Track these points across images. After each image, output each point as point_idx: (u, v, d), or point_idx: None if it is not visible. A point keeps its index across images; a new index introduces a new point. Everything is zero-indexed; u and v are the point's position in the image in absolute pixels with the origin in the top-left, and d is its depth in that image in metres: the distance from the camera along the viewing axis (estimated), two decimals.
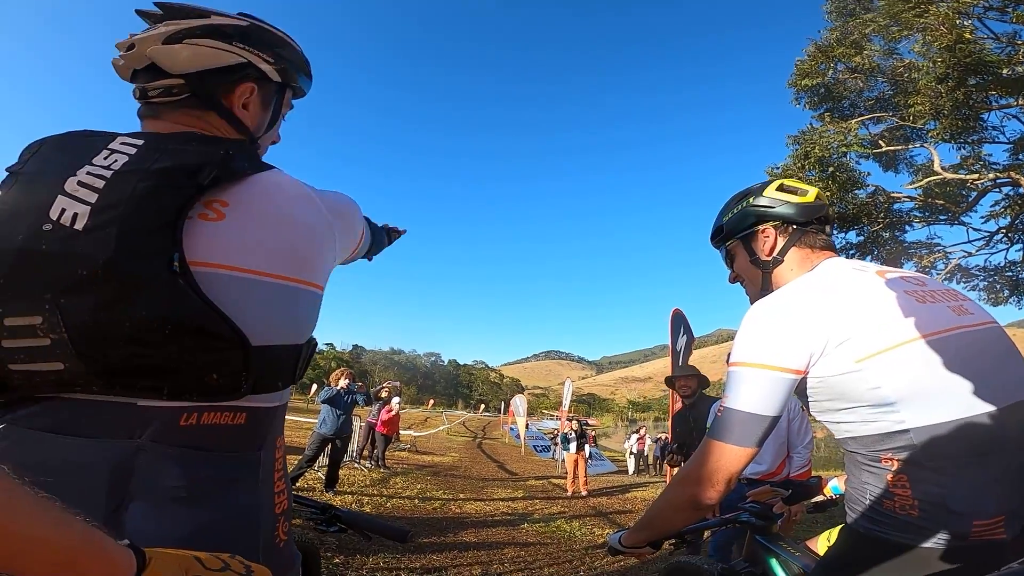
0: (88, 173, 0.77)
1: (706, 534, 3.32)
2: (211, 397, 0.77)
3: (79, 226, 0.71)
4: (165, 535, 0.70)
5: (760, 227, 1.46)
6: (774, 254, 1.44)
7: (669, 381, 5.52)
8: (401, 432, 17.39)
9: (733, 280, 1.61)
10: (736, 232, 1.51)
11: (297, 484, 7.65)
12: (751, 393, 1.19)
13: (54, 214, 0.72)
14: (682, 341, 11.43)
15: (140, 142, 0.84)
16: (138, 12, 0.94)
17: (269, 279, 0.82)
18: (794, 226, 1.43)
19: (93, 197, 0.74)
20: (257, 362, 0.79)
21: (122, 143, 0.83)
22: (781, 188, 1.48)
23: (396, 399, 13.07)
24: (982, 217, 13.71)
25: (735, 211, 1.52)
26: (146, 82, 0.93)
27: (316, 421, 8.38)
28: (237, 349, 0.76)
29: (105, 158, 0.80)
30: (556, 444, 15.75)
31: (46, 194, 0.75)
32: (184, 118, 0.95)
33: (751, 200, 1.49)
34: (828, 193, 12.61)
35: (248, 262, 0.80)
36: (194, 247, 0.76)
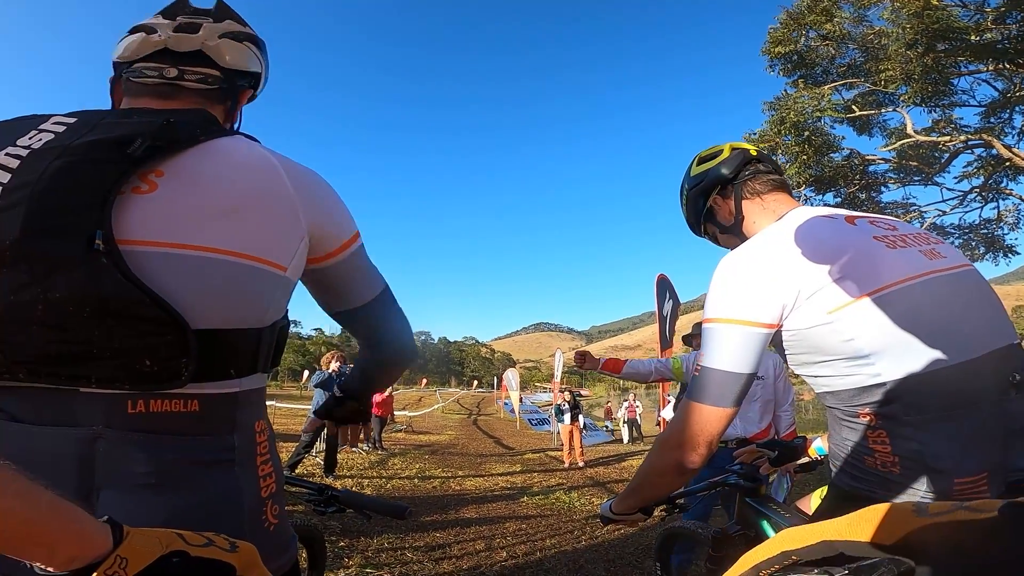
0: (7, 154, 0.72)
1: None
2: (147, 385, 0.71)
3: None
4: (140, 522, 0.66)
5: (709, 202, 1.50)
6: (733, 215, 1.45)
7: (687, 339, 5.49)
8: (396, 412, 17.48)
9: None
10: (700, 217, 1.54)
11: (296, 470, 7.54)
12: (725, 350, 1.15)
13: None
14: (668, 307, 11.41)
15: (73, 120, 0.81)
16: (191, 8, 1.00)
17: (207, 253, 0.75)
18: (730, 184, 1.44)
19: (6, 178, 0.69)
20: (200, 347, 0.73)
21: (54, 122, 0.80)
22: (700, 161, 1.51)
23: None
24: (955, 177, 14.03)
25: (685, 203, 1.58)
26: (185, 65, 0.95)
27: (310, 407, 8.34)
28: (174, 333, 0.71)
29: (30, 138, 0.75)
30: (552, 416, 15.96)
31: None
32: (196, 103, 0.96)
33: (687, 187, 1.55)
34: (804, 157, 12.79)
35: (181, 236, 0.74)
36: (123, 224, 0.71)
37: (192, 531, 0.65)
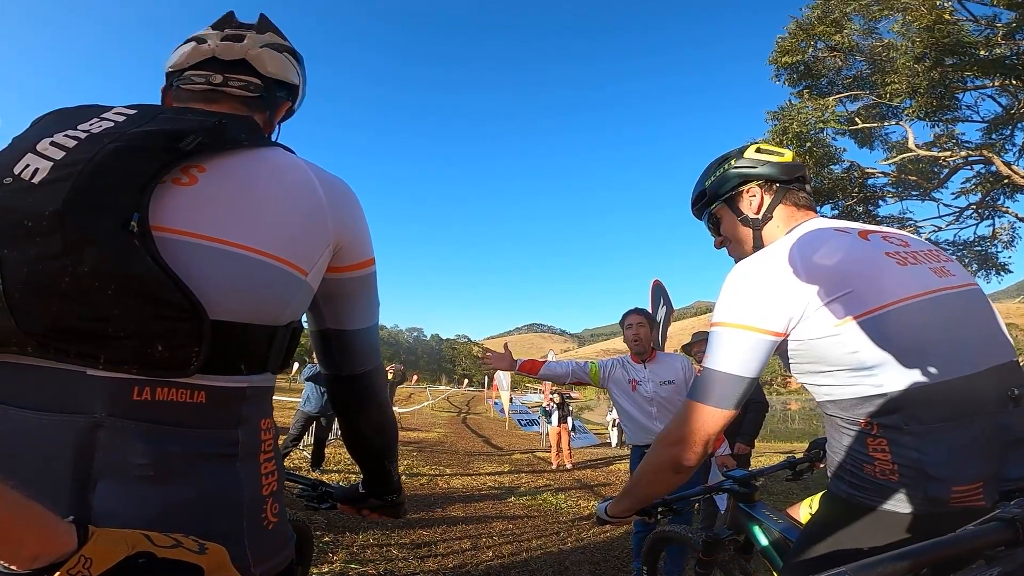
0: (65, 135, 0.75)
1: (696, 505, 3.31)
2: (154, 370, 0.71)
3: (36, 180, 0.69)
4: (137, 515, 0.68)
5: (745, 187, 1.47)
6: (763, 211, 1.44)
7: (686, 348, 5.46)
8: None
9: (719, 245, 1.60)
10: (721, 194, 1.52)
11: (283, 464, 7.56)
12: (732, 354, 1.18)
13: (17, 170, 0.71)
14: (662, 312, 11.41)
15: (133, 111, 0.84)
16: (237, 23, 1.06)
17: (236, 249, 0.77)
18: (778, 184, 1.45)
19: (60, 155, 0.72)
20: (213, 338, 0.74)
21: (116, 112, 0.83)
22: (759, 150, 1.50)
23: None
24: (953, 193, 14.10)
25: (716, 175, 1.54)
26: (230, 73, 1.00)
27: (300, 400, 8.29)
28: (190, 320, 0.71)
29: (90, 124, 0.79)
30: (542, 418, 15.95)
31: (18, 153, 0.74)
32: (239, 110, 1.00)
33: (733, 163, 1.51)
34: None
35: (212, 229, 0.76)
36: (159, 211, 0.73)
37: (186, 531, 0.66)
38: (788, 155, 1.48)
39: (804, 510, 1.84)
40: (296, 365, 12.75)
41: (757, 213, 1.45)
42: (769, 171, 1.45)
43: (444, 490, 7.87)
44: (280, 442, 7.02)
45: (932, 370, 1.08)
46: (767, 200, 1.44)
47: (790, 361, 1.24)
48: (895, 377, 1.09)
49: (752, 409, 4.81)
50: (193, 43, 1.01)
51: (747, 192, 1.47)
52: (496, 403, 27.00)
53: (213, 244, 0.76)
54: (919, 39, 10.47)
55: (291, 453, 8.20)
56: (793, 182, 1.45)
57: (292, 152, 0.95)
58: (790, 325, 1.17)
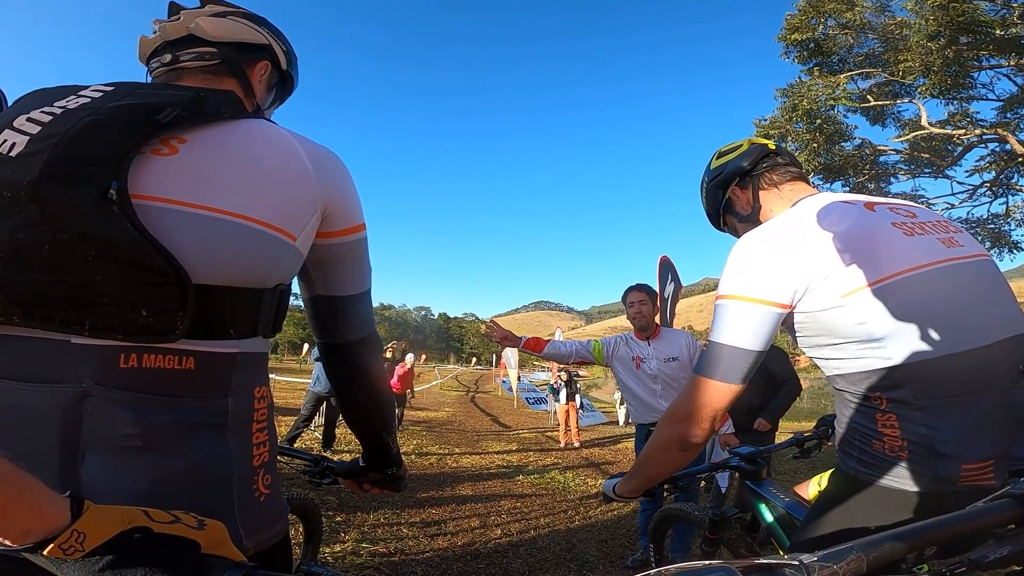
0: (41, 111, 0.76)
1: (702, 483, 3.26)
2: (139, 336, 0.71)
3: (13, 153, 0.71)
4: (125, 487, 0.69)
5: (728, 193, 1.54)
6: (751, 204, 1.48)
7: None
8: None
9: None
10: (719, 209, 1.59)
11: (295, 445, 7.49)
12: (738, 327, 1.16)
13: None
14: (670, 289, 11.30)
15: (110, 88, 0.84)
16: (172, 4, 1.07)
17: (219, 215, 0.77)
18: (748, 175, 1.48)
19: (36, 129, 0.73)
20: (198, 302, 0.74)
21: (93, 89, 0.84)
22: (720, 155, 1.57)
23: (410, 356, 12.97)
24: (966, 171, 13.96)
25: (705, 196, 1.62)
26: (178, 51, 1.01)
27: (310, 381, 8.25)
28: (173, 285, 0.72)
29: (67, 100, 0.79)
30: (550, 396, 15.97)
31: None
32: (205, 81, 1.01)
33: (706, 180, 1.59)
34: (815, 144, 12.68)
35: (193, 196, 0.76)
36: (139, 180, 0.73)
37: (176, 502, 0.65)
38: (743, 144, 1.53)
39: (813, 487, 1.84)
40: (307, 346, 12.76)
41: (748, 208, 1.49)
42: (733, 168, 1.50)
43: (453, 469, 7.91)
44: (291, 423, 7.03)
45: (941, 341, 1.06)
46: (748, 194, 1.49)
47: (797, 335, 1.22)
48: (903, 349, 1.07)
49: (784, 389, 4.68)
50: (141, 37, 1.04)
51: (732, 196, 1.53)
52: (504, 381, 26.99)
53: (194, 210, 0.76)
54: (933, 17, 10.31)
55: (303, 434, 8.15)
56: (759, 164, 1.47)
57: (275, 124, 0.96)
58: (795, 297, 1.15)
